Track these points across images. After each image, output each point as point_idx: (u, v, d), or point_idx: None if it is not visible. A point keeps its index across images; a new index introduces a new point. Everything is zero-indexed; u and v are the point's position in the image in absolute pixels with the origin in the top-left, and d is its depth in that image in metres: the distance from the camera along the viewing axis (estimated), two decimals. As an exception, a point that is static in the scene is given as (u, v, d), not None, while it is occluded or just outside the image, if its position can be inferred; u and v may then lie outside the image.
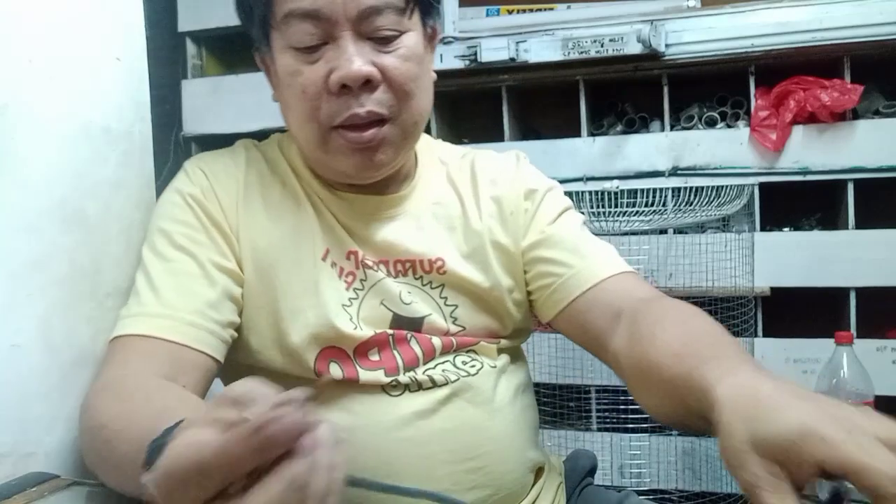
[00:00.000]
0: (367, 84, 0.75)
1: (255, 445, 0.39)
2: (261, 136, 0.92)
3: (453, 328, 0.83)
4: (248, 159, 0.87)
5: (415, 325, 0.82)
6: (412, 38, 0.78)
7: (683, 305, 0.75)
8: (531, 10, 1.71)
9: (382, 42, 0.76)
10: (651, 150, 1.56)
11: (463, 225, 0.86)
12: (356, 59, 0.74)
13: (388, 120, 0.77)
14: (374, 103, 0.76)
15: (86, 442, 0.69)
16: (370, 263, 0.82)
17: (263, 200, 0.84)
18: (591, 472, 1.02)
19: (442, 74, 1.58)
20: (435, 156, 0.92)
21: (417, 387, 0.79)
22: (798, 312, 1.52)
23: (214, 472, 0.40)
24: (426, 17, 0.82)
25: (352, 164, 0.79)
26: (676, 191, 1.49)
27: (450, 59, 1.59)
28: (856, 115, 1.49)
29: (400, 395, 0.79)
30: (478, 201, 0.87)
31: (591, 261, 0.83)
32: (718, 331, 0.68)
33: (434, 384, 0.80)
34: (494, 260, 0.85)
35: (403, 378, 0.79)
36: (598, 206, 1.46)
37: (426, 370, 0.80)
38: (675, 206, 1.47)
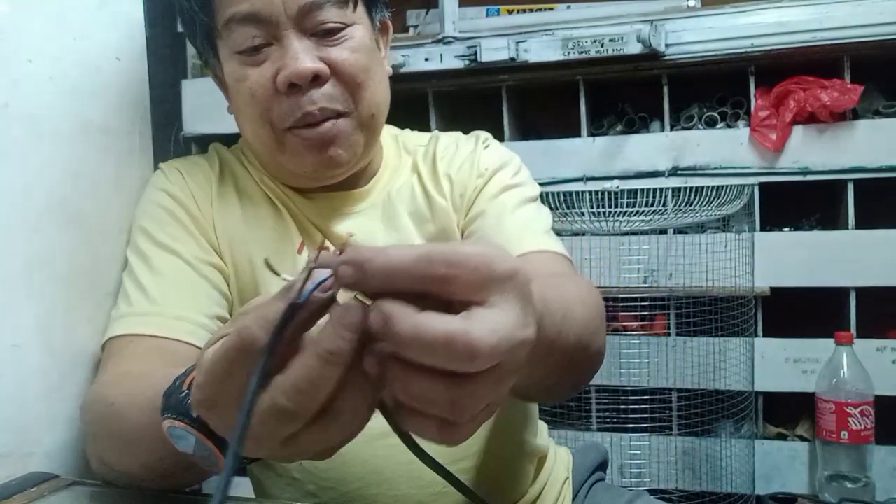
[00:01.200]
0: (316, 80, 0.74)
1: (291, 297, 0.38)
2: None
3: None
4: (221, 160, 0.88)
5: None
6: (359, 31, 0.77)
7: (572, 290, 0.67)
8: (531, 10, 1.71)
9: (327, 35, 0.75)
10: (651, 150, 1.56)
11: (429, 207, 0.86)
12: (301, 56, 0.73)
13: (343, 114, 0.76)
14: (325, 99, 0.75)
15: (93, 428, 0.69)
16: None
17: (238, 198, 0.84)
18: (602, 466, 1.01)
19: (442, 74, 1.60)
20: (400, 146, 0.92)
21: None
22: (798, 312, 1.52)
23: (256, 337, 0.38)
24: (372, 10, 0.81)
25: (309, 164, 0.78)
26: (676, 191, 1.49)
27: (450, 59, 1.58)
28: (856, 115, 1.49)
29: None
30: (436, 180, 0.87)
31: (511, 237, 0.81)
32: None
33: None
34: (459, 239, 0.85)
35: None
36: (598, 206, 1.46)
37: None
38: (675, 206, 1.47)
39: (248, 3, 0.73)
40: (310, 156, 0.77)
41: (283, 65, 0.74)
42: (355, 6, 0.77)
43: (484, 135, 0.93)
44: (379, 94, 0.80)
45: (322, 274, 0.39)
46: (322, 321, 0.39)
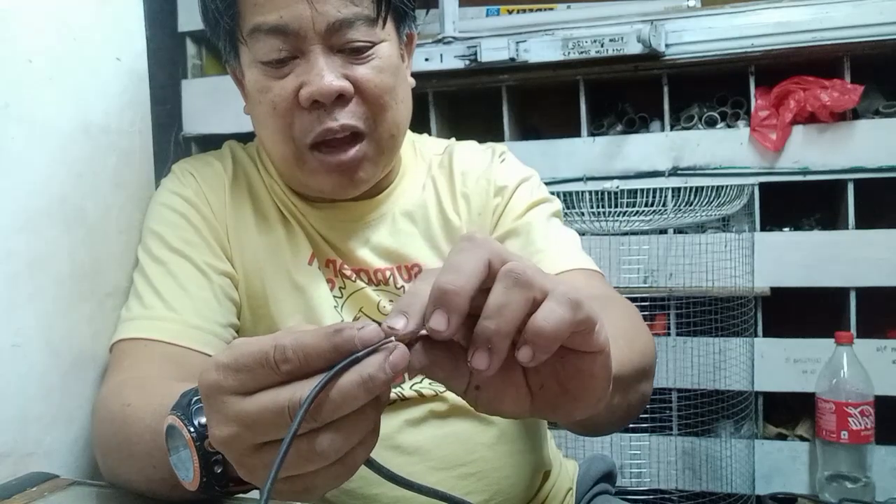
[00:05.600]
0: (340, 98, 0.73)
1: (336, 340, 0.40)
2: (261, 136, 0.92)
3: None
4: (234, 162, 0.87)
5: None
6: (386, 49, 0.76)
7: (616, 310, 0.71)
8: (531, 10, 1.71)
9: (354, 53, 0.74)
10: (651, 150, 1.56)
11: (442, 224, 0.85)
12: (327, 74, 0.72)
13: (364, 134, 0.75)
14: (347, 116, 0.74)
15: (103, 428, 0.69)
16: (348, 273, 0.82)
17: (251, 203, 0.84)
18: (607, 477, 0.99)
19: (442, 74, 1.60)
20: (417, 153, 0.91)
21: (406, 399, 0.79)
22: (798, 312, 1.52)
23: (288, 359, 0.41)
24: (400, 25, 0.80)
25: (329, 184, 0.77)
26: (676, 191, 1.49)
27: (450, 59, 1.59)
28: (856, 115, 1.49)
29: (390, 404, 0.79)
30: (454, 198, 0.86)
31: (546, 255, 0.81)
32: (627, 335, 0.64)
33: (423, 397, 0.79)
34: None
35: (391, 395, 0.78)
36: (598, 206, 1.46)
37: (413, 385, 0.80)
38: (675, 206, 1.47)
39: (276, 14, 0.72)
40: (331, 177, 0.77)
41: (308, 80, 0.72)
42: (384, 23, 0.76)
43: (500, 148, 0.92)
44: (401, 114, 0.79)
45: (375, 334, 0.41)
46: None
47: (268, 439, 0.42)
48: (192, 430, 0.49)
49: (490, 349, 0.41)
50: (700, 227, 1.53)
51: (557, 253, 0.82)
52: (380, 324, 0.42)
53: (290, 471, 0.42)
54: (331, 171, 0.76)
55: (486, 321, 0.41)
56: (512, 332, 0.41)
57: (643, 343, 0.66)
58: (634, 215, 1.45)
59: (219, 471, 0.48)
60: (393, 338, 0.42)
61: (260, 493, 0.41)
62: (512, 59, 1.55)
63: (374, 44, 0.75)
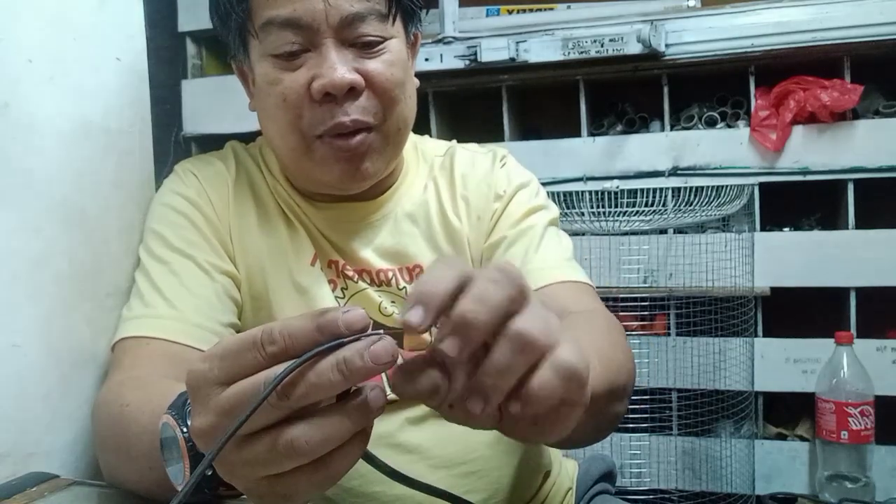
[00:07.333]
0: (351, 91, 0.73)
1: (319, 321, 0.41)
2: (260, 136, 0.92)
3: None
4: (237, 163, 0.86)
5: (395, 335, 0.82)
6: (396, 45, 0.77)
7: (596, 327, 0.70)
8: (531, 10, 1.71)
9: (366, 47, 0.75)
10: (651, 150, 1.56)
11: (443, 225, 0.85)
12: (339, 67, 0.72)
13: (373, 127, 0.76)
14: (358, 111, 0.74)
15: (102, 429, 0.69)
16: (350, 273, 0.82)
17: (254, 203, 0.84)
18: (607, 476, 0.99)
19: (442, 74, 1.60)
20: (419, 154, 0.91)
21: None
22: (798, 312, 1.52)
23: (274, 340, 0.41)
24: (408, 24, 0.80)
25: (337, 174, 0.77)
26: (676, 191, 1.49)
27: (450, 59, 1.59)
28: (856, 115, 1.49)
29: (390, 403, 0.79)
30: (454, 200, 0.86)
31: (536, 265, 0.81)
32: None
33: None
34: (471, 261, 0.85)
35: (391, 395, 0.78)
36: (598, 206, 1.46)
37: None
38: (675, 206, 1.47)
39: (289, 7, 0.72)
40: (338, 166, 0.76)
41: (320, 73, 0.73)
42: (394, 20, 0.77)
43: (501, 152, 0.92)
44: (408, 109, 0.80)
45: (359, 318, 0.42)
46: None
47: (246, 431, 0.41)
48: (184, 430, 0.48)
49: (485, 399, 0.43)
50: (700, 227, 1.53)
51: (548, 265, 0.82)
52: (386, 327, 0.42)
53: (268, 467, 0.41)
54: (339, 158, 0.76)
55: (486, 378, 0.42)
56: (508, 391, 0.43)
57: (618, 363, 0.65)
58: (634, 215, 1.46)
59: (209, 473, 0.47)
60: (382, 330, 0.42)
61: (207, 454, 0.41)
62: (512, 59, 1.55)
63: (385, 39, 0.76)
